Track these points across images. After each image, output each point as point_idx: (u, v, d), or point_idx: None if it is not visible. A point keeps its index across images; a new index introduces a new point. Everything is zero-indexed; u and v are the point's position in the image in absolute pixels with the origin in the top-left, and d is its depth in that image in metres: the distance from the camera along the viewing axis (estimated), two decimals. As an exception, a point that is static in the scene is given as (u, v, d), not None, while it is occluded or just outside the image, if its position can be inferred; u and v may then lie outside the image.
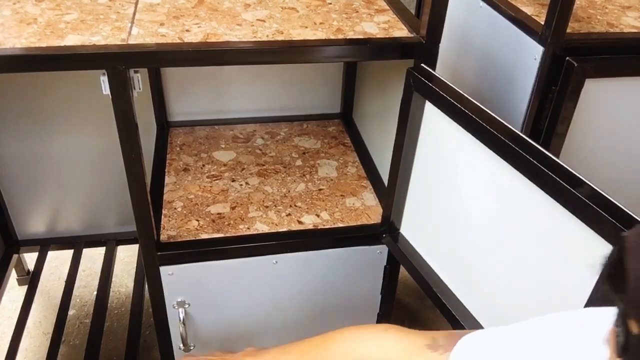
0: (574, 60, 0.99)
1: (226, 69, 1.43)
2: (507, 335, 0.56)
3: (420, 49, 0.91)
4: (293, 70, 1.47)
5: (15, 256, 1.57)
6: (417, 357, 0.65)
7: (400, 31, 0.95)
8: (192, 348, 1.20)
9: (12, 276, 1.61)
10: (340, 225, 1.15)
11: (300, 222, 1.15)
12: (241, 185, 1.26)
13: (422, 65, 0.91)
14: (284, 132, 1.47)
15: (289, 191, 1.24)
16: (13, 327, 1.41)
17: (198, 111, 1.49)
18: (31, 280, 1.55)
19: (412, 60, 0.93)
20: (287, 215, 1.17)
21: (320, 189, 1.25)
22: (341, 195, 1.23)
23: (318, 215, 1.17)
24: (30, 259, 1.65)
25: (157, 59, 0.89)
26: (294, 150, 1.39)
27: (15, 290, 1.63)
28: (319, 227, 1.14)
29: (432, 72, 0.90)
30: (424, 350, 0.64)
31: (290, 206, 1.20)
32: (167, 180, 1.26)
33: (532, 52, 1.05)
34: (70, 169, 1.52)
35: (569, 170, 0.69)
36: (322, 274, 1.16)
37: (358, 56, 1.01)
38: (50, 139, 1.45)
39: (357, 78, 1.48)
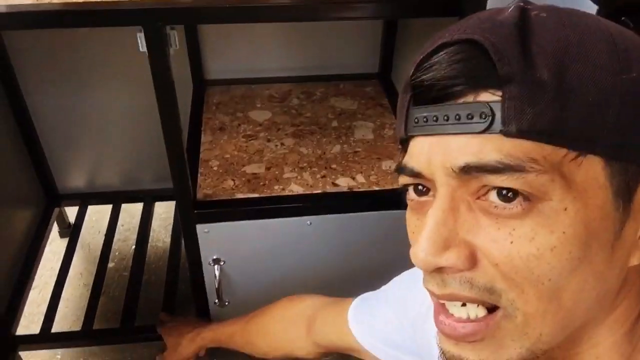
0: (629, 20, 0.93)
1: (263, 26, 1.40)
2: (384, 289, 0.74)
3: (467, 6, 0.87)
4: (330, 28, 1.44)
5: (56, 209, 1.62)
6: (337, 301, 0.81)
7: (445, -13, 0.91)
8: (227, 304, 1.23)
9: (54, 229, 1.66)
10: (376, 188, 1.14)
11: (335, 185, 1.14)
12: (276, 145, 1.25)
13: (468, 24, 0.87)
14: (320, 92, 1.45)
15: (324, 153, 1.23)
16: (55, 278, 1.46)
17: (234, 69, 1.48)
18: (72, 233, 1.60)
19: (457, 18, 0.89)
20: (321, 177, 1.16)
21: (356, 151, 1.23)
22: (377, 158, 1.21)
23: (353, 178, 1.16)
24: (71, 212, 1.70)
25: (194, 15, 0.87)
26: (330, 110, 1.37)
27: (57, 242, 1.68)
28: (353, 190, 1.13)
29: (478, 31, 0.86)
30: (344, 298, 0.80)
31: (325, 168, 1.19)
32: (203, 139, 1.26)
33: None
34: (108, 126, 1.54)
35: None
36: (356, 237, 1.16)
37: (399, 13, 0.98)
38: (89, 95, 1.46)
39: (397, 37, 1.44)
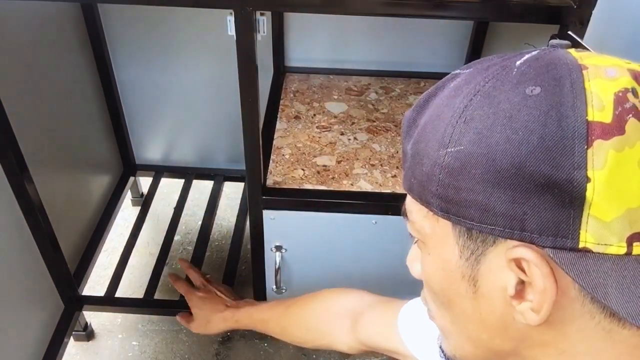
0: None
1: (347, 17, 1.38)
2: None
3: (569, 14, 0.81)
4: (417, 25, 1.40)
5: (131, 179, 1.68)
6: (387, 301, 0.81)
7: (548, -8, 0.85)
8: (284, 291, 1.23)
9: (127, 197, 1.72)
10: (448, 194, 1.10)
11: (406, 185, 1.11)
12: (349, 139, 1.23)
13: (569, 33, 0.81)
14: (399, 89, 1.42)
15: (397, 152, 1.20)
16: (124, 244, 1.52)
17: (315, 58, 1.47)
18: (144, 202, 1.66)
19: (557, 26, 0.84)
20: (392, 177, 1.14)
21: (430, 153, 1.20)
22: (452, 163, 1.17)
23: (425, 181, 1.12)
24: (144, 182, 1.76)
25: (284, 2, 0.87)
26: (407, 108, 1.34)
27: (128, 210, 1.75)
28: (424, 193, 1.10)
29: (580, 41, 0.80)
30: (393, 299, 0.80)
31: (397, 168, 1.16)
32: (278, 125, 1.27)
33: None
34: (189, 104, 1.57)
35: None
36: (421, 241, 1.13)
37: (495, 16, 0.93)
38: (174, 73, 1.50)
39: (486, 39, 1.38)
